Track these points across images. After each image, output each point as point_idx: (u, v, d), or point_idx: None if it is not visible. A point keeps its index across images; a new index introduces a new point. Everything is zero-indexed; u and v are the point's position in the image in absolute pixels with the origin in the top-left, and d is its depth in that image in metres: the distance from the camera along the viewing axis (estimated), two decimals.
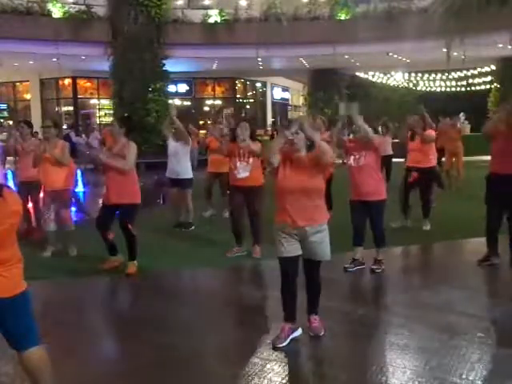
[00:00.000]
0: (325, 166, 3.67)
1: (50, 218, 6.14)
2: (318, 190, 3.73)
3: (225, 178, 8.50)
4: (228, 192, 6.74)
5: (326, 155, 3.59)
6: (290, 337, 3.77)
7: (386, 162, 11.75)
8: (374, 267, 5.45)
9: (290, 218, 3.66)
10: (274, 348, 3.67)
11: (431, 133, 7.34)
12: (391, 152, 12.36)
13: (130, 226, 5.43)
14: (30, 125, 7.18)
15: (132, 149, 5.49)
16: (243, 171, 5.90)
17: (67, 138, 21.85)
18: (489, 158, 5.60)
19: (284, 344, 3.70)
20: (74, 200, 6.14)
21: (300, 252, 3.72)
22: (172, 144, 7.64)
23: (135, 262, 5.56)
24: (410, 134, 7.43)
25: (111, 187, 5.45)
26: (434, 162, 7.50)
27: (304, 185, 3.64)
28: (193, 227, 7.75)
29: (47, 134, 6.09)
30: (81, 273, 5.63)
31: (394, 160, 10.78)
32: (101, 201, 6.00)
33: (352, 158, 5.30)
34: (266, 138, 18.57)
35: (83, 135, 19.84)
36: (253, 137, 5.91)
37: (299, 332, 3.86)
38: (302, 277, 3.87)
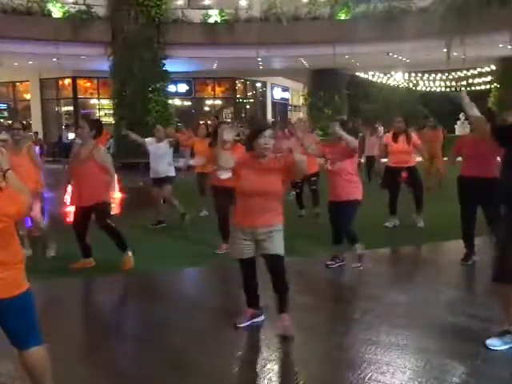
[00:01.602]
0: (294, 174, 3.82)
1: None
2: (275, 193, 3.84)
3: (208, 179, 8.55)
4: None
5: (301, 167, 3.70)
6: (252, 320, 4.06)
7: (370, 162, 11.82)
8: (353, 265, 5.55)
9: (244, 220, 3.85)
10: (235, 327, 3.99)
11: (415, 137, 7.54)
12: (377, 153, 12.42)
13: (108, 222, 5.55)
14: (23, 126, 7.15)
15: (107, 156, 5.66)
16: (225, 172, 5.90)
17: (59, 138, 21.95)
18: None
19: (244, 324, 4.01)
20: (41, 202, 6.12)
21: (253, 254, 3.93)
22: (155, 145, 7.88)
23: (129, 253, 5.59)
24: (392, 135, 7.48)
25: (84, 190, 5.50)
26: (415, 161, 7.62)
27: (263, 188, 3.77)
28: (187, 216, 7.94)
29: (17, 137, 5.97)
30: (78, 273, 5.62)
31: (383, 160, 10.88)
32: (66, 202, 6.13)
33: (329, 161, 5.44)
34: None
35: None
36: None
37: (261, 318, 4.12)
38: (302, 277, 3.89)
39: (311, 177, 8.10)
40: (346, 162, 5.35)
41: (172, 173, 7.98)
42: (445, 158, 11.10)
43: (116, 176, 5.90)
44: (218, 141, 4.07)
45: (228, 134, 4.30)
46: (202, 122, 24.18)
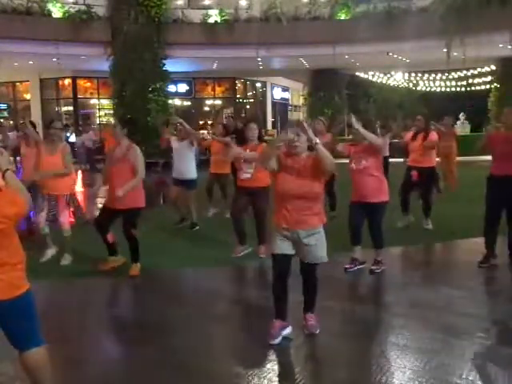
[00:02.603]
0: (324, 170, 3.66)
1: (43, 221, 5.93)
2: (316, 195, 3.75)
3: (225, 179, 8.53)
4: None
5: (326, 160, 3.58)
6: (282, 334, 3.81)
7: (383, 163, 11.79)
8: (373, 268, 5.47)
9: (285, 221, 3.74)
10: (267, 345, 3.70)
11: (434, 136, 7.40)
12: (388, 153, 12.38)
13: (133, 231, 5.39)
14: (33, 124, 7.15)
15: (140, 156, 5.37)
16: (246, 172, 5.90)
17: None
18: (488, 157, 5.66)
19: (276, 341, 3.74)
20: (72, 204, 6.04)
21: (293, 252, 3.79)
22: (176, 144, 7.71)
23: (138, 264, 5.54)
24: (412, 135, 7.48)
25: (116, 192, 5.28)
26: (433, 162, 7.54)
27: (302, 189, 3.68)
28: (197, 227, 7.77)
29: (54, 137, 5.91)
30: (82, 274, 5.63)
31: (391, 160, 10.84)
32: (99, 203, 5.98)
33: (354, 160, 5.33)
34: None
35: (83, 135, 19.81)
36: (260, 138, 5.94)
37: (289, 329, 3.90)
38: (298, 278, 3.89)
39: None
40: (371, 160, 5.23)
41: (194, 175, 7.77)
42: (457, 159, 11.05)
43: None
44: (274, 141, 4.00)
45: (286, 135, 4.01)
46: (202, 122, 24.32)
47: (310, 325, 3.94)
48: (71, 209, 6.04)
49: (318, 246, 3.77)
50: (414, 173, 7.31)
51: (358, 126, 5.10)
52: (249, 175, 5.87)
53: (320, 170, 3.66)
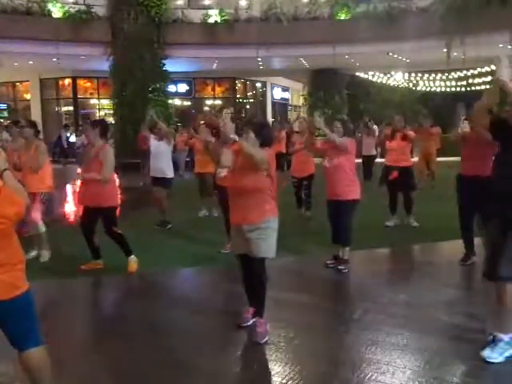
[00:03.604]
0: (257, 167, 3.66)
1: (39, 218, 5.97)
2: (256, 189, 3.74)
3: (210, 178, 8.56)
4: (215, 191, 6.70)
5: (254, 157, 3.60)
6: (254, 319, 3.96)
7: (368, 162, 11.83)
8: (341, 267, 5.50)
9: (233, 217, 3.88)
10: (238, 327, 3.97)
11: (411, 133, 7.55)
12: (374, 152, 12.45)
13: (114, 229, 5.46)
14: (33, 124, 7.10)
15: (109, 155, 5.44)
16: (223, 171, 5.88)
17: (59, 137, 21.93)
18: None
19: (247, 324, 3.99)
20: (45, 202, 6.05)
21: (243, 251, 3.88)
22: (154, 143, 7.84)
23: (133, 257, 5.57)
24: (390, 133, 7.54)
25: (91, 191, 5.39)
26: (410, 161, 7.68)
27: (239, 184, 3.75)
28: (169, 226, 7.80)
29: (25, 134, 6.01)
30: (79, 273, 5.63)
31: (377, 160, 10.91)
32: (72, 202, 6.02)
33: (327, 158, 5.42)
34: None
35: (83, 135, 19.83)
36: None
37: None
38: (300, 277, 3.89)
39: (304, 180, 8.15)
40: (343, 158, 5.31)
41: (171, 174, 7.91)
42: (438, 159, 11.15)
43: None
44: (221, 139, 4.05)
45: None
46: (202, 122, 24.31)
47: (258, 332, 3.83)
48: (43, 207, 6.04)
49: (262, 240, 3.76)
50: (394, 172, 7.40)
51: (320, 125, 5.20)
52: (222, 174, 5.88)
53: (253, 165, 3.66)
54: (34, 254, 6.07)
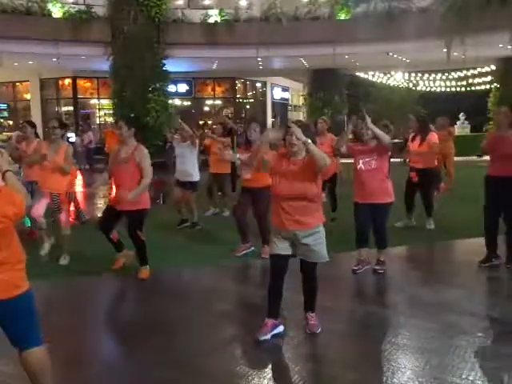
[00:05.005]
0: (318, 170, 3.65)
1: (41, 219, 5.96)
2: (311, 196, 3.74)
3: (223, 179, 8.59)
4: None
5: (319, 159, 3.57)
6: (272, 332, 3.85)
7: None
8: (377, 268, 5.47)
9: (282, 222, 3.76)
10: (256, 341, 3.76)
11: (434, 137, 7.41)
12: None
13: (138, 233, 5.28)
14: (32, 124, 7.11)
15: (146, 157, 5.24)
16: (245, 172, 5.88)
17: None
18: (487, 157, 5.69)
19: (265, 338, 3.79)
20: (72, 204, 6.05)
21: (289, 252, 3.82)
22: (178, 146, 7.78)
23: (147, 266, 5.44)
24: (412, 136, 7.56)
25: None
26: (433, 163, 7.57)
27: (297, 191, 3.69)
28: (199, 226, 7.80)
29: (53, 136, 5.89)
30: (81, 273, 5.63)
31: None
32: (98, 203, 5.98)
33: (361, 161, 5.28)
34: None
35: (83, 135, 19.84)
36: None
37: (281, 329, 3.93)
38: (299, 278, 3.89)
39: (327, 182, 7.96)
40: (381, 161, 5.23)
41: (196, 177, 7.76)
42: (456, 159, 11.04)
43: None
44: (262, 141, 4.09)
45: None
46: (202, 122, 24.31)
47: (311, 324, 3.96)
48: (71, 208, 6.04)
49: (317, 245, 3.78)
50: (413, 174, 7.37)
51: (370, 123, 5.07)
52: (248, 175, 5.86)
53: (314, 170, 3.66)
54: (46, 250, 6.05)
